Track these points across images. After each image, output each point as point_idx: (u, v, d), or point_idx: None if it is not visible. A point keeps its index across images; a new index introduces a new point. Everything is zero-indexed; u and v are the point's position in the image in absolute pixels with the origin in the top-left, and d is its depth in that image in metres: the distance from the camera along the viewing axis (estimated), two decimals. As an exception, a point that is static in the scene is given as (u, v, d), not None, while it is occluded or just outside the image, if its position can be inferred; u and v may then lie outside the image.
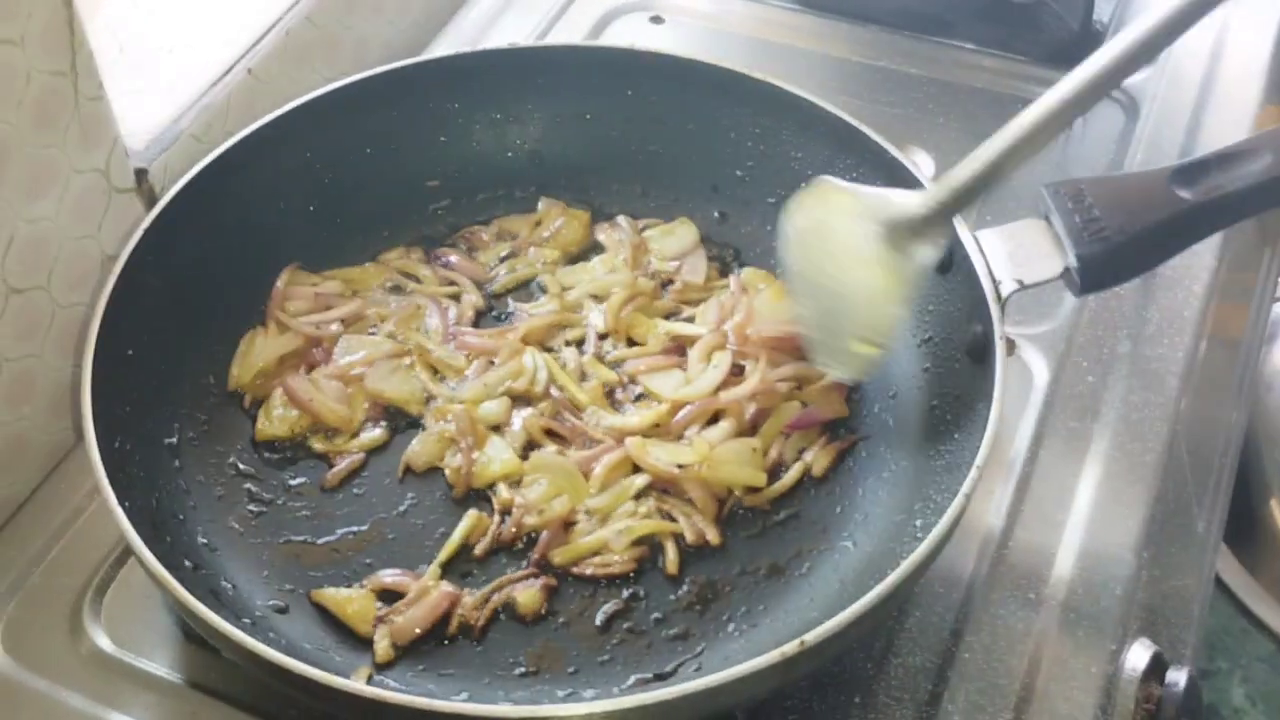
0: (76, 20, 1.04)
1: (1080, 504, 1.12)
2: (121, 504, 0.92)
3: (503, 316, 1.22)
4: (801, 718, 0.99)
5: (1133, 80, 1.48)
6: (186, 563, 1.01)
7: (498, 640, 1.01)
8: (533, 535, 1.06)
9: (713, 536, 1.06)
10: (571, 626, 1.02)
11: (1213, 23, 1.56)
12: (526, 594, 1.02)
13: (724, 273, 1.25)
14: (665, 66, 1.26)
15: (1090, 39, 1.52)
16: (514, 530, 1.06)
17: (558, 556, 1.05)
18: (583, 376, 1.16)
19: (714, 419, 1.13)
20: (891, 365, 1.15)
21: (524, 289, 1.24)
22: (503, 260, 1.26)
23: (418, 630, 1.00)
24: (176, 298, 1.12)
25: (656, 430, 1.11)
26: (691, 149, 1.28)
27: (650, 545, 1.06)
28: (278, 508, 1.09)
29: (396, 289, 1.23)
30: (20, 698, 1.00)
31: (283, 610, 1.02)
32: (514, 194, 1.31)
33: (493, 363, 1.16)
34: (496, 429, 1.12)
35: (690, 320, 1.20)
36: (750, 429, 1.11)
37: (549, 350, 1.18)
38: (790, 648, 0.84)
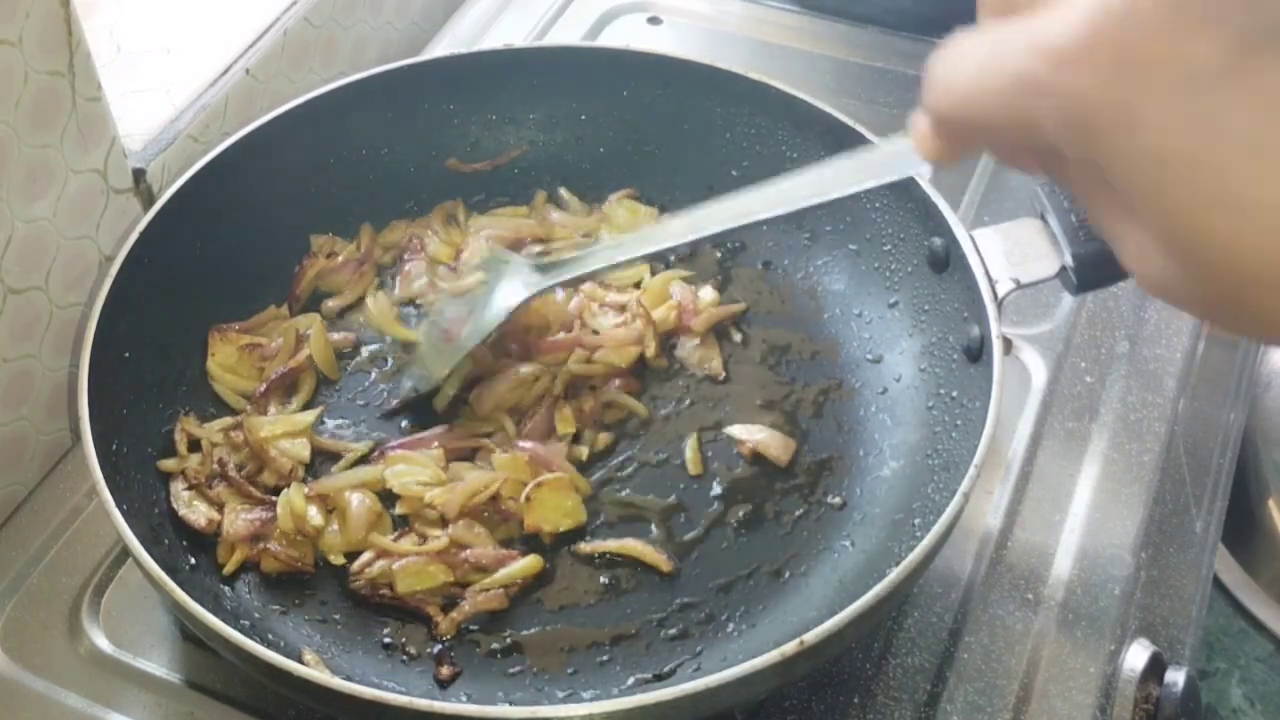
0: (74, 20, 1.04)
1: (1078, 504, 1.12)
2: (119, 506, 0.92)
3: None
4: (800, 718, 0.99)
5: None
6: (184, 564, 1.01)
7: (498, 641, 1.01)
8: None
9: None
10: (571, 627, 1.02)
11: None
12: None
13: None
14: (661, 67, 1.26)
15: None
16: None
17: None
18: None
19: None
20: (888, 364, 1.15)
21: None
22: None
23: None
24: (174, 299, 1.12)
25: None
26: (687, 149, 1.28)
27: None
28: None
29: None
30: (19, 697, 1.00)
31: (282, 612, 1.02)
32: (510, 195, 1.31)
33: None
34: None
35: None
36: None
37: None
38: (789, 648, 0.84)
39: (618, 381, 1.16)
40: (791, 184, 0.90)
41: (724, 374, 1.18)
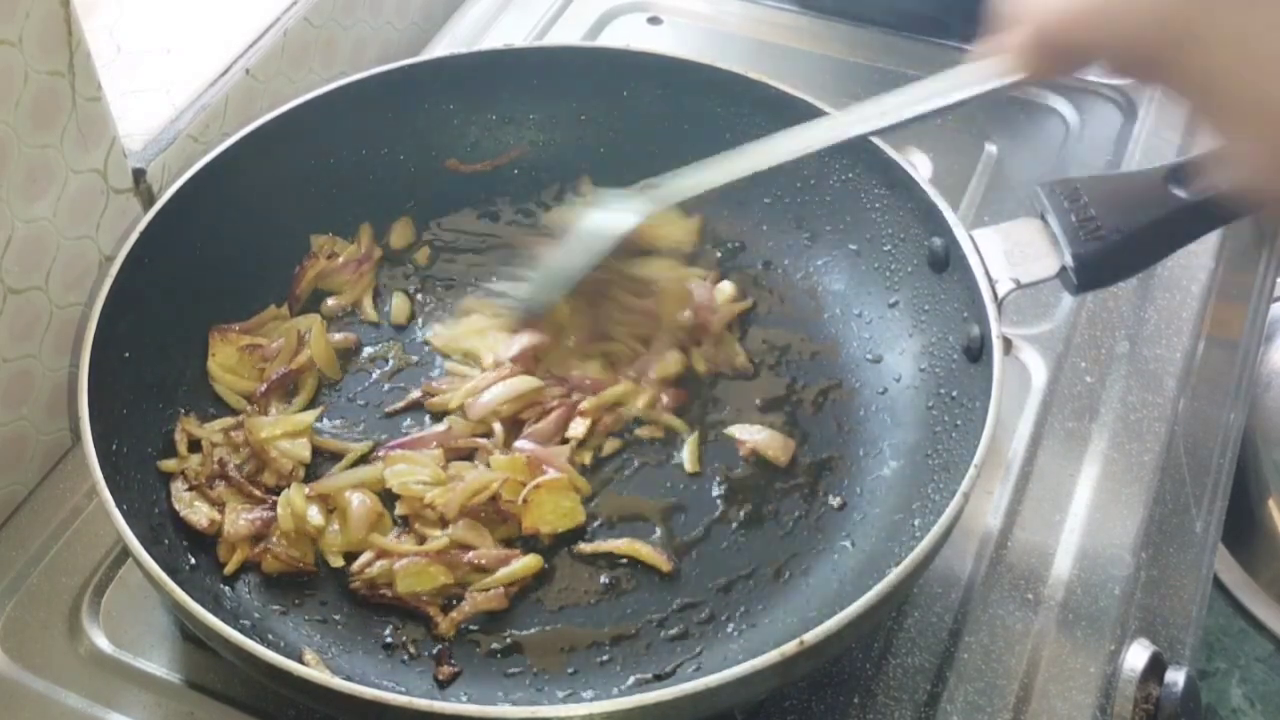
0: (74, 20, 1.04)
1: (1078, 504, 1.12)
2: (119, 506, 0.92)
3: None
4: (800, 718, 0.99)
5: (1128, 81, 1.49)
6: (184, 564, 1.01)
7: (498, 641, 1.01)
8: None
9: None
10: (571, 627, 1.02)
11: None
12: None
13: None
14: (661, 67, 1.26)
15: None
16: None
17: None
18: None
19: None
20: (888, 365, 1.15)
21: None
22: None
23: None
24: (174, 299, 1.12)
25: None
26: (688, 150, 1.27)
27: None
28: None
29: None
30: (19, 697, 1.00)
31: (282, 612, 1.02)
32: (510, 195, 1.31)
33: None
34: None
35: None
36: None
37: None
38: (789, 648, 0.84)
39: (664, 397, 1.15)
40: (894, 100, 0.98)
41: (751, 367, 1.18)
